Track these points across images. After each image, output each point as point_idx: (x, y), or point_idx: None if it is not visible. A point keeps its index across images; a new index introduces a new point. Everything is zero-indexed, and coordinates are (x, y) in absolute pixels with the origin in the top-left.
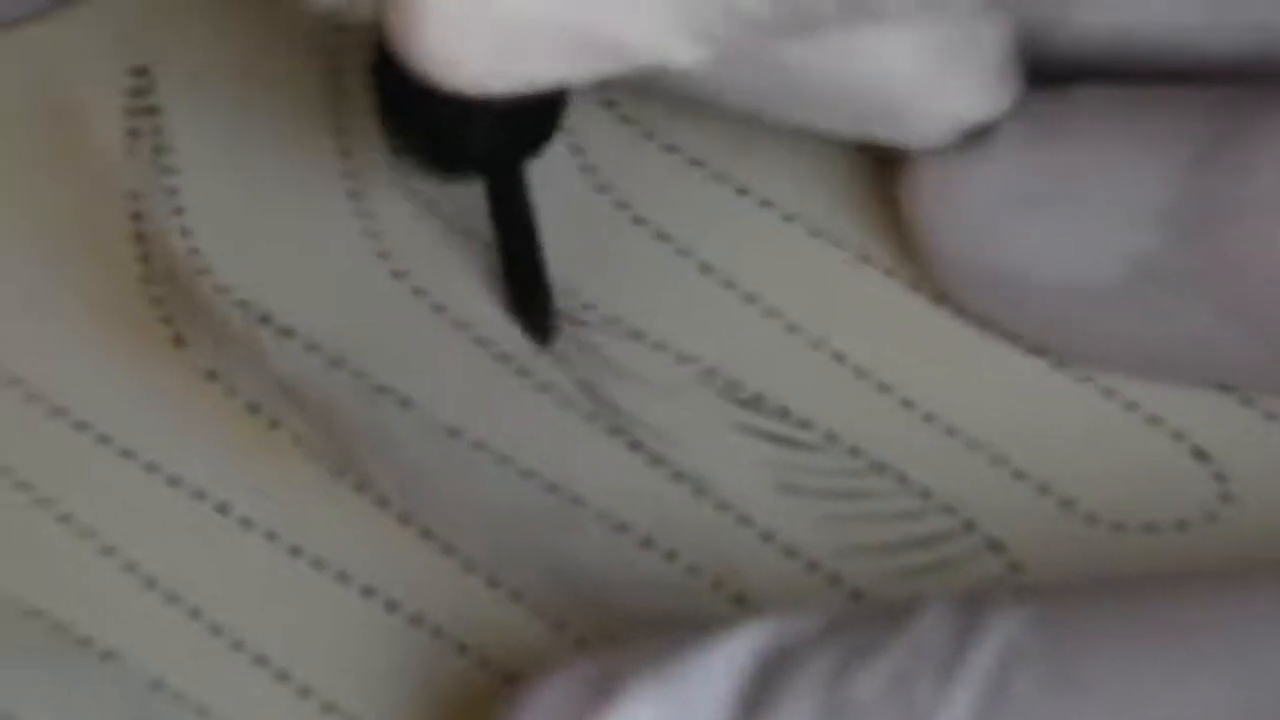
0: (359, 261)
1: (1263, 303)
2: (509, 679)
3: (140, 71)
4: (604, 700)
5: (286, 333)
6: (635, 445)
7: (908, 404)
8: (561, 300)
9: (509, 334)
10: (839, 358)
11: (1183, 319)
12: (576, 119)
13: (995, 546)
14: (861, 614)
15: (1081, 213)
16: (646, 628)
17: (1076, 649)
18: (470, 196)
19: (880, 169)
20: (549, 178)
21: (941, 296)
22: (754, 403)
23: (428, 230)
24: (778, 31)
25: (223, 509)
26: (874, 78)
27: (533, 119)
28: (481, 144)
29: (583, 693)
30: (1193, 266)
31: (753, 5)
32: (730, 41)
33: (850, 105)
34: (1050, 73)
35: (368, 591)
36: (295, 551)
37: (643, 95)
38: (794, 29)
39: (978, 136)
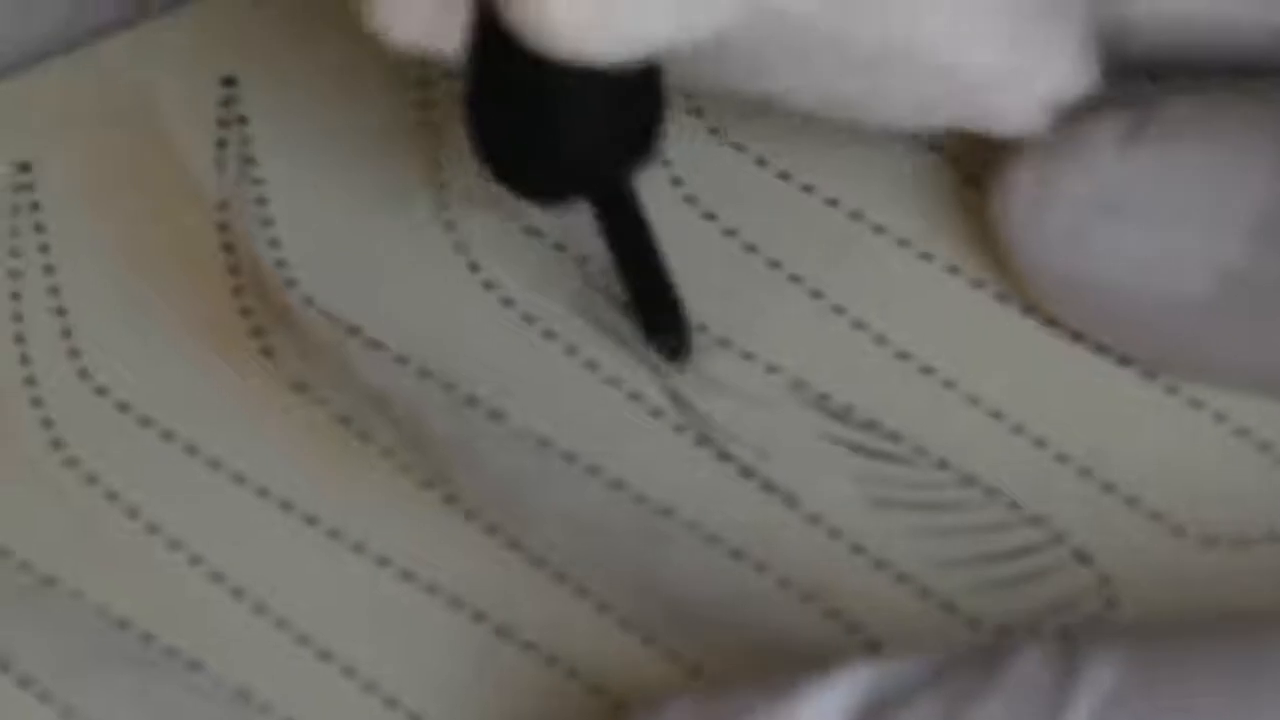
0: (448, 272)
1: None
2: (596, 691)
3: (229, 81)
4: None
5: (375, 344)
6: (725, 456)
7: (996, 416)
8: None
9: (598, 344)
10: (927, 370)
11: (1273, 331)
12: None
13: (1084, 558)
14: (961, 658)
15: (1172, 224)
16: (736, 641)
17: (1176, 696)
18: (561, 210)
19: (970, 181)
20: (640, 191)
21: (1030, 308)
22: (843, 415)
23: (516, 241)
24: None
25: (311, 520)
26: (959, 62)
27: (630, 136)
28: (579, 165)
29: None
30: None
31: None
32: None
33: (937, 94)
34: (1120, 67)
35: (456, 602)
36: (383, 562)
37: (727, 104)
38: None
39: (1064, 120)
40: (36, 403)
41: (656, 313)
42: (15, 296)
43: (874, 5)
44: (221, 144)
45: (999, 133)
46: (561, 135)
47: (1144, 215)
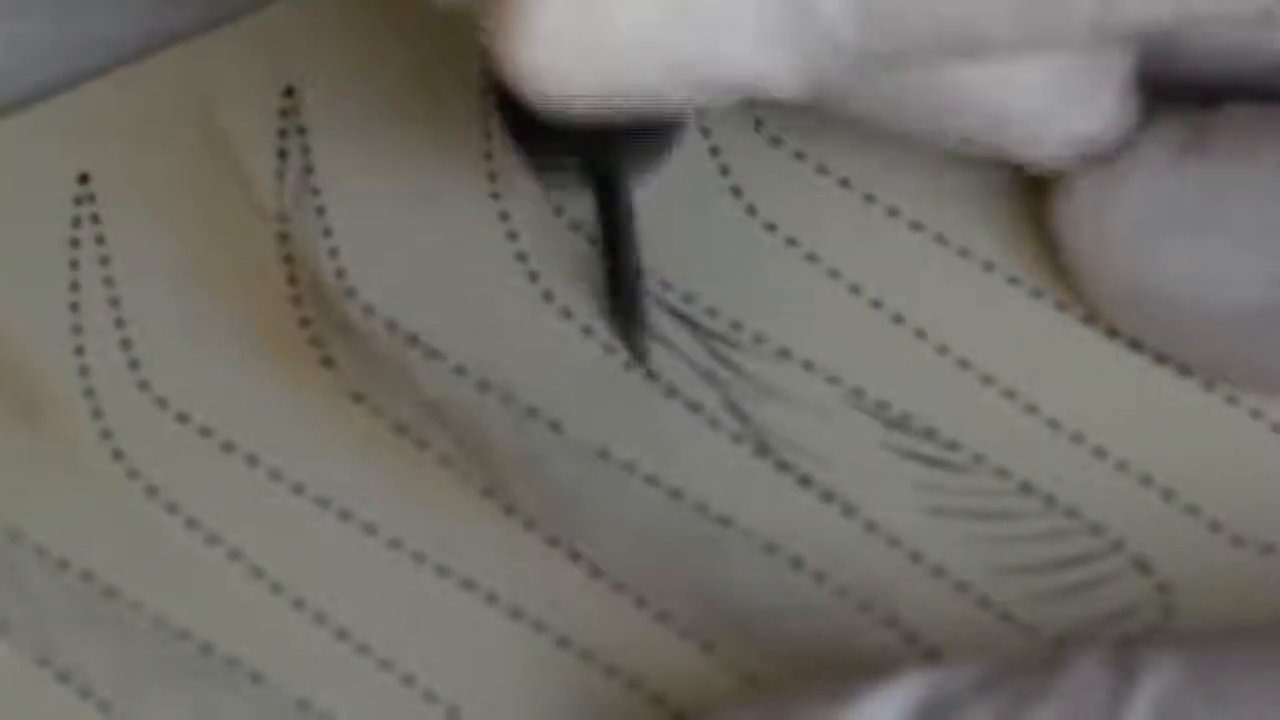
0: (508, 283)
1: None
2: (657, 701)
3: (289, 92)
4: None
5: (435, 354)
6: (784, 466)
7: (1055, 425)
8: (710, 320)
9: (657, 356)
10: (987, 379)
11: None
12: (724, 139)
13: (1143, 567)
14: (1015, 665)
15: (1230, 234)
16: (795, 650)
17: (1233, 701)
18: None
19: (1030, 190)
20: (699, 199)
21: (1090, 317)
22: (902, 423)
23: (575, 253)
24: (877, 64)
25: (370, 530)
26: (986, 102)
27: (645, 132)
28: (590, 151)
29: None
30: None
31: (850, 37)
32: (829, 73)
33: (963, 122)
34: (1169, 91)
35: (516, 613)
36: (443, 572)
37: (787, 113)
38: (893, 63)
39: (1100, 155)
40: (96, 414)
41: (623, 300)
42: (75, 308)
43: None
44: (281, 154)
45: (1025, 163)
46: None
47: (1203, 225)
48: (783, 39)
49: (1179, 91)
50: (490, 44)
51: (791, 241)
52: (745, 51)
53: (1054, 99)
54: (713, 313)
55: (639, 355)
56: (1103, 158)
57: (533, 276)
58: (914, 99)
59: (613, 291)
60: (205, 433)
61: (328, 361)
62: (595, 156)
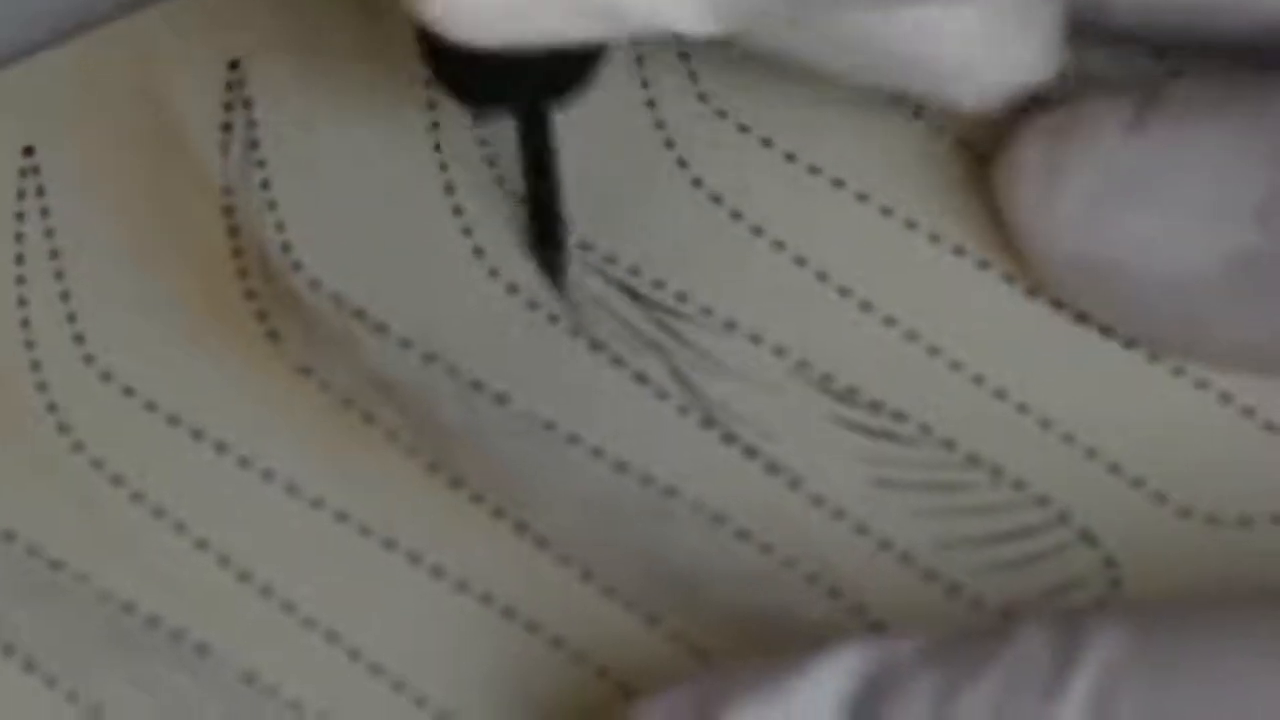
0: (453, 257)
1: None
2: (602, 673)
3: (234, 65)
4: None
5: (381, 328)
6: (730, 437)
7: (1002, 396)
8: (656, 292)
9: (603, 328)
10: (934, 351)
11: (1276, 314)
12: (669, 113)
13: (1089, 539)
14: (961, 636)
15: (1179, 205)
16: (741, 622)
17: (1177, 671)
18: (567, 193)
19: (978, 162)
20: (644, 172)
21: (1037, 289)
22: (848, 396)
23: (523, 227)
24: (791, 9)
25: (317, 504)
26: (921, 44)
27: (560, 65)
28: (508, 83)
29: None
30: None
31: None
32: (740, 14)
33: (897, 67)
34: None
35: (462, 585)
36: (389, 546)
37: (739, 89)
38: (810, 9)
39: (1030, 102)
40: (42, 388)
41: (546, 228)
42: (20, 281)
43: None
44: (226, 127)
45: (954, 110)
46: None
47: (1151, 197)
48: None
49: (1118, 42)
50: None
51: (736, 214)
52: None
53: (981, 43)
54: (659, 285)
55: (559, 286)
56: (1034, 105)
57: (479, 251)
58: (843, 41)
59: (534, 218)
60: (151, 406)
61: (274, 335)
62: (512, 89)
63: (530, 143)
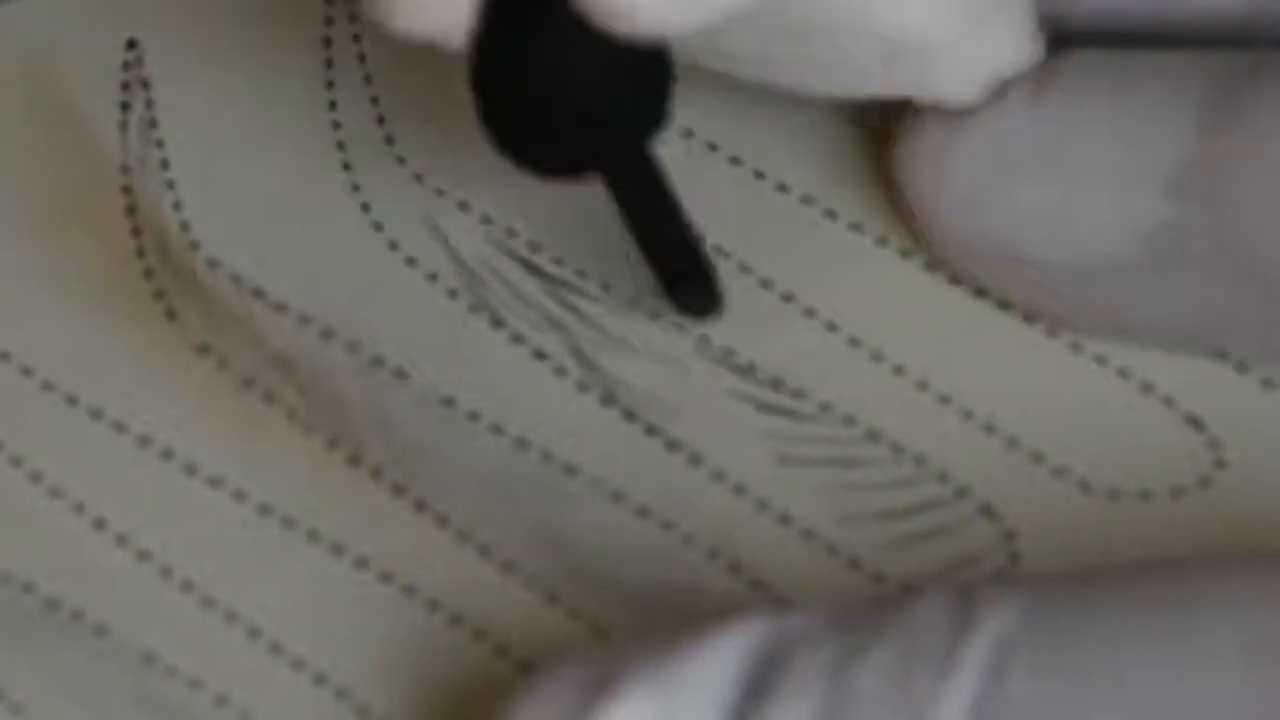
0: (353, 233)
1: (1274, 271)
2: (500, 651)
3: (131, 44)
4: (599, 703)
5: (280, 306)
6: (630, 414)
7: (901, 372)
8: (557, 268)
9: (503, 303)
10: (832, 326)
11: (1185, 288)
12: None
13: (989, 513)
14: (856, 607)
15: (1079, 180)
16: (642, 599)
17: (1072, 639)
18: (466, 168)
19: (872, 137)
20: None
21: (935, 264)
22: (748, 372)
23: (421, 201)
24: None
25: (216, 483)
26: (904, 29)
27: (639, 106)
28: (587, 135)
29: (578, 696)
30: (1199, 235)
31: None
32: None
33: (874, 61)
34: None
35: (362, 562)
36: (289, 524)
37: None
38: None
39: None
40: None
41: (682, 277)
42: None
43: None
44: (125, 107)
45: (930, 102)
46: (571, 106)
47: (1051, 172)
48: None
49: (1086, 33)
50: None
51: None
52: None
53: (960, 28)
54: (559, 261)
55: (718, 311)
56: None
57: (378, 226)
58: (814, 46)
59: (663, 263)
60: (49, 387)
61: (172, 314)
62: (590, 149)
63: (631, 196)
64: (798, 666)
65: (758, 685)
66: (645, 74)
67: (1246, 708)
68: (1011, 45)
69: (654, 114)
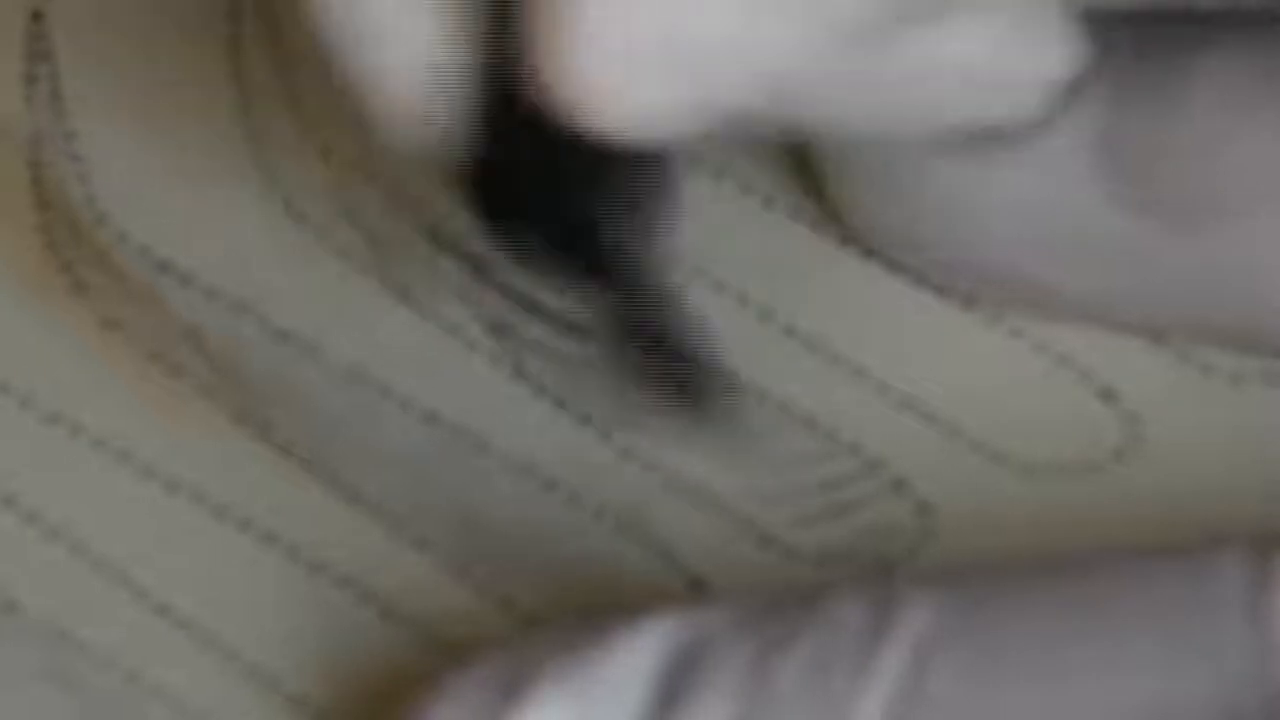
0: (260, 207)
1: (1201, 244)
2: (409, 625)
3: (36, 16)
4: (510, 709)
5: (187, 279)
6: (541, 389)
7: (814, 347)
8: (465, 242)
9: (414, 278)
10: (743, 300)
11: (1102, 261)
12: None
13: (902, 487)
14: (776, 601)
15: (994, 155)
16: (552, 574)
17: (990, 640)
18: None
19: None
20: None
21: (848, 239)
22: None
23: (329, 175)
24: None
25: (124, 458)
26: (958, 64)
27: (634, 217)
28: (580, 237)
29: (488, 700)
30: (1124, 209)
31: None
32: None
33: (949, 97)
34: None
35: (270, 538)
36: (198, 499)
37: None
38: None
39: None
40: None
41: (684, 390)
42: None
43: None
44: (29, 80)
45: (1002, 126)
46: (567, 206)
47: (986, 155)
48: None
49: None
50: (532, 64)
51: None
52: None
53: (1018, 49)
54: (470, 235)
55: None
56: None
57: (287, 201)
58: (891, 90)
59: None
60: None
61: (79, 288)
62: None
63: (623, 299)
64: (713, 667)
65: (673, 686)
66: (640, 187)
67: (1163, 708)
68: (1064, 54)
69: (643, 228)
